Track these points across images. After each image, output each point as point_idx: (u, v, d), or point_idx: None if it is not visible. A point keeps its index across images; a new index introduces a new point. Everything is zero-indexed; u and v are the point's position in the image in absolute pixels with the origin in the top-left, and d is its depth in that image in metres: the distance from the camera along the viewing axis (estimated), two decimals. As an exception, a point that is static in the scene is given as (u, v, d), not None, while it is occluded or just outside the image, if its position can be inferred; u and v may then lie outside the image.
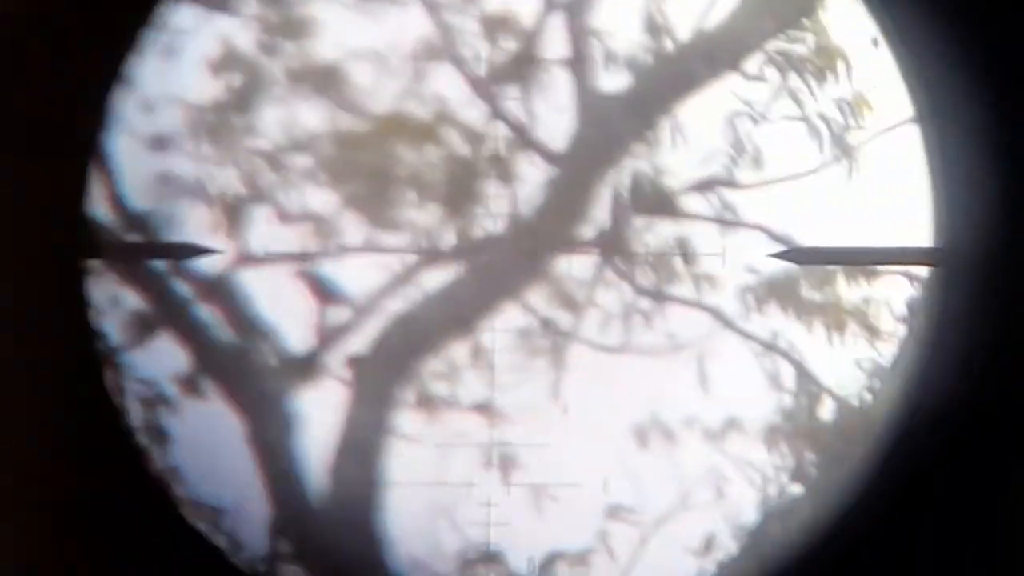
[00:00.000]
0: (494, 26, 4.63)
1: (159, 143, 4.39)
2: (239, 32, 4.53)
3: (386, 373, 4.39)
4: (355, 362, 4.39)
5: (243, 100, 4.48)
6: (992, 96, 2.43)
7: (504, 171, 4.58)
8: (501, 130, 4.60)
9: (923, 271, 4.32)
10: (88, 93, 2.59)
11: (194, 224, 4.39)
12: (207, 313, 4.34)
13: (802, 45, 4.64)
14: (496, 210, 4.58)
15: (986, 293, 2.45)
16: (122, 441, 2.71)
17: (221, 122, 4.47)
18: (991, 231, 2.44)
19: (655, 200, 4.61)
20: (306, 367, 4.34)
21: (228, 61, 4.51)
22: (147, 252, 4.28)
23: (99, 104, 2.66)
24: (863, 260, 4.48)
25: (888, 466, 2.57)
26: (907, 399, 2.55)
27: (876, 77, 4.60)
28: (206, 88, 4.47)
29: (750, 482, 4.43)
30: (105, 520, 2.66)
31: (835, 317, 4.55)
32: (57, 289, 2.55)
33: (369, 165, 4.54)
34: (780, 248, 4.54)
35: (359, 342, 4.45)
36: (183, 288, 4.37)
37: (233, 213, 4.41)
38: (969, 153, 2.44)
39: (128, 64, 2.63)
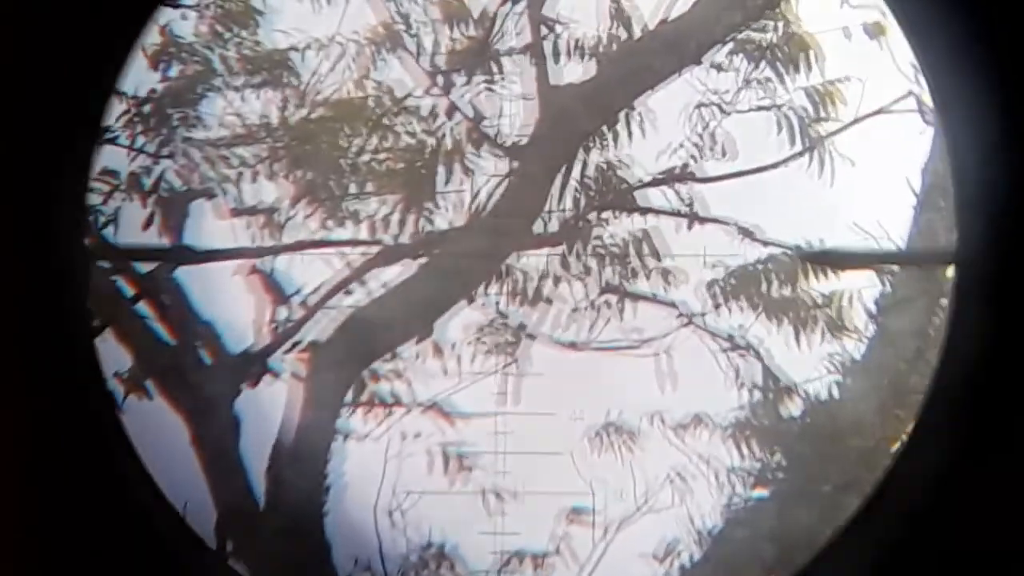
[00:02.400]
0: (452, 15, 4.50)
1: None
2: (182, 22, 4.39)
3: (338, 371, 4.23)
4: (307, 356, 4.22)
5: (188, 90, 4.34)
6: (1009, 98, 2.36)
7: (462, 163, 4.44)
8: (459, 122, 4.47)
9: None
10: (85, 97, 2.51)
11: (130, 220, 4.24)
12: (149, 312, 4.19)
13: (772, 33, 4.51)
14: (454, 203, 4.44)
15: (1007, 294, 2.38)
16: (119, 440, 2.63)
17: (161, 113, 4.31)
18: (1012, 232, 2.38)
19: (619, 193, 4.47)
20: (254, 366, 4.19)
21: (171, 51, 4.36)
22: (140, 256, 4.16)
23: (96, 109, 2.58)
24: (881, 261, 4.36)
25: (905, 468, 2.49)
26: (926, 399, 2.49)
27: (847, 67, 4.49)
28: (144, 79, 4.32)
29: (716, 484, 4.28)
30: (109, 520, 2.57)
31: (802, 313, 4.40)
32: (55, 291, 2.47)
33: (323, 156, 4.40)
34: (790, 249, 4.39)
35: (312, 339, 4.29)
36: (126, 287, 4.22)
37: (173, 207, 4.25)
38: (987, 155, 2.37)
39: (126, 65, 2.56)
